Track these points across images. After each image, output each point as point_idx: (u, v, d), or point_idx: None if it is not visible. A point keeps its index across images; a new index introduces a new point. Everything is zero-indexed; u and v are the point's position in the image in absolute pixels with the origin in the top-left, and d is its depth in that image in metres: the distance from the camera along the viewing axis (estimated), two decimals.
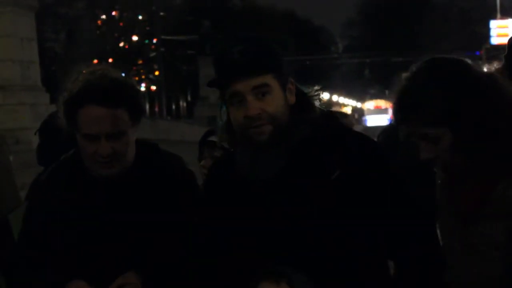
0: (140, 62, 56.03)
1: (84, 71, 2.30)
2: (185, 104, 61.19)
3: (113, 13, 55.96)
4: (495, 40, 36.22)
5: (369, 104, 66.52)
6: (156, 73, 51.92)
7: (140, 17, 56.19)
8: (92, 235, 2.30)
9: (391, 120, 6.01)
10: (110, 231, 2.30)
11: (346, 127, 2.28)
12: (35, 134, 3.27)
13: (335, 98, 70.40)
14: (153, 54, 54.19)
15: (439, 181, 2.24)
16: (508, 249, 1.96)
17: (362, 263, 2.09)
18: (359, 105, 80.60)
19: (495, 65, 2.54)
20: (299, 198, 2.10)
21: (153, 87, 55.06)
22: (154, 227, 2.30)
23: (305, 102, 2.22)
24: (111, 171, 2.28)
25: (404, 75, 2.14)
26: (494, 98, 2.03)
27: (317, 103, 2.25)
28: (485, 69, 2.15)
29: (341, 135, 2.19)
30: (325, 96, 2.33)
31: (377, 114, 55.11)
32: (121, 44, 56.36)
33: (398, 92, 2.12)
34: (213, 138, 3.51)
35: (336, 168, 2.09)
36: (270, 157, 2.14)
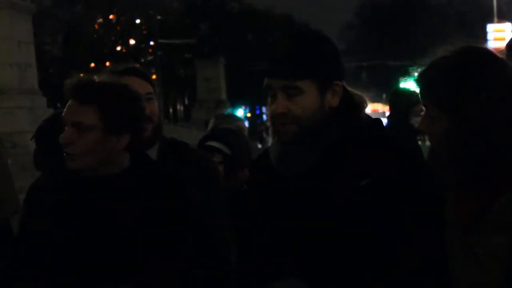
0: (137, 65, 55.94)
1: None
2: (182, 108, 61.16)
3: (111, 16, 55.96)
4: (492, 44, 36.22)
5: (366, 108, 66.50)
6: (154, 76, 51.97)
7: (137, 21, 56.21)
8: (81, 240, 2.30)
9: (387, 123, 6.00)
10: (100, 236, 2.29)
11: (386, 136, 2.23)
12: (31, 139, 3.27)
13: None
14: (150, 58, 54.20)
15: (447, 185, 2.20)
16: (508, 261, 1.93)
17: (372, 273, 2.07)
18: None
19: None
20: (321, 200, 2.09)
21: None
22: (145, 236, 2.31)
23: (350, 106, 2.20)
24: (68, 164, 2.31)
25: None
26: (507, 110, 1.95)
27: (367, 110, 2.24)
28: None
29: (380, 144, 2.14)
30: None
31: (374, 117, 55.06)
32: (119, 48, 56.35)
33: (435, 58, 2.10)
34: (210, 143, 3.50)
35: (367, 176, 2.06)
36: (298, 155, 2.14)
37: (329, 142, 2.12)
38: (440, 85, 2.02)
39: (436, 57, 2.09)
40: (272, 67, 2.13)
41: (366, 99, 2.27)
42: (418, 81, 2.12)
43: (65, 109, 2.32)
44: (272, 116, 2.14)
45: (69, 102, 2.31)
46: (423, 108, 2.13)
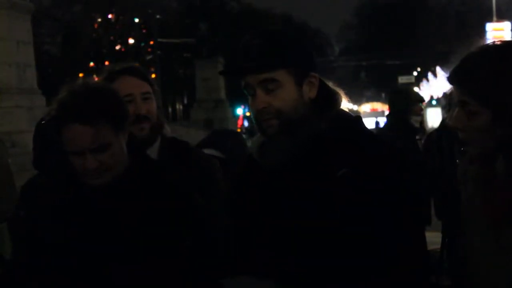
0: (136, 64, 55.96)
1: (64, 88, 2.33)
2: (181, 107, 61.20)
3: (110, 16, 55.96)
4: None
5: (365, 107, 66.69)
6: (153, 76, 51.97)
7: (136, 20, 56.21)
8: (83, 240, 2.30)
9: (386, 122, 6.01)
10: (102, 236, 2.30)
11: (365, 130, 2.23)
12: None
13: None
14: (149, 57, 54.22)
15: (472, 175, 2.16)
16: None
17: (354, 266, 2.06)
18: (355, 107, 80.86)
19: None
20: (298, 191, 2.09)
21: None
22: (152, 236, 2.31)
23: (328, 97, 2.21)
24: (101, 181, 2.30)
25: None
26: None
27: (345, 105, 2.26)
28: None
29: (358, 136, 2.15)
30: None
31: (374, 116, 55.30)
32: (118, 47, 56.37)
33: (465, 54, 2.08)
34: (208, 151, 3.47)
35: (344, 166, 2.06)
36: (278, 146, 2.15)
37: (308, 134, 2.13)
38: (483, 79, 1.99)
39: (468, 53, 2.07)
40: (246, 63, 2.14)
41: (342, 93, 2.27)
42: (453, 78, 2.09)
43: (75, 138, 2.24)
44: (256, 113, 2.15)
45: (77, 129, 2.23)
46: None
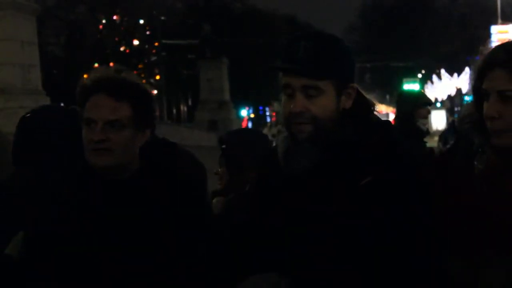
0: (140, 66, 56.13)
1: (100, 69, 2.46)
2: (185, 108, 61.26)
3: (114, 17, 56.05)
4: (495, 45, 36.14)
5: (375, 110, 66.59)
6: (157, 77, 52.06)
7: (141, 21, 56.28)
8: (93, 241, 2.28)
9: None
10: (111, 238, 2.29)
11: (395, 140, 2.22)
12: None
13: None
14: (154, 58, 54.33)
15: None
16: None
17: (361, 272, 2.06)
18: None
19: None
20: (321, 197, 2.09)
21: (154, 91, 55.06)
22: (156, 235, 2.31)
23: (362, 108, 2.20)
24: (101, 160, 2.30)
25: None
26: None
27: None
28: None
29: (386, 146, 2.14)
30: None
31: None
32: (122, 48, 56.46)
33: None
34: None
35: (368, 175, 2.05)
36: (302, 154, 2.13)
37: (335, 141, 2.12)
38: None
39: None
40: (294, 66, 2.11)
41: (374, 101, 2.28)
42: (502, 59, 2.05)
43: (95, 106, 2.31)
44: (289, 115, 2.13)
45: (101, 98, 2.31)
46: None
